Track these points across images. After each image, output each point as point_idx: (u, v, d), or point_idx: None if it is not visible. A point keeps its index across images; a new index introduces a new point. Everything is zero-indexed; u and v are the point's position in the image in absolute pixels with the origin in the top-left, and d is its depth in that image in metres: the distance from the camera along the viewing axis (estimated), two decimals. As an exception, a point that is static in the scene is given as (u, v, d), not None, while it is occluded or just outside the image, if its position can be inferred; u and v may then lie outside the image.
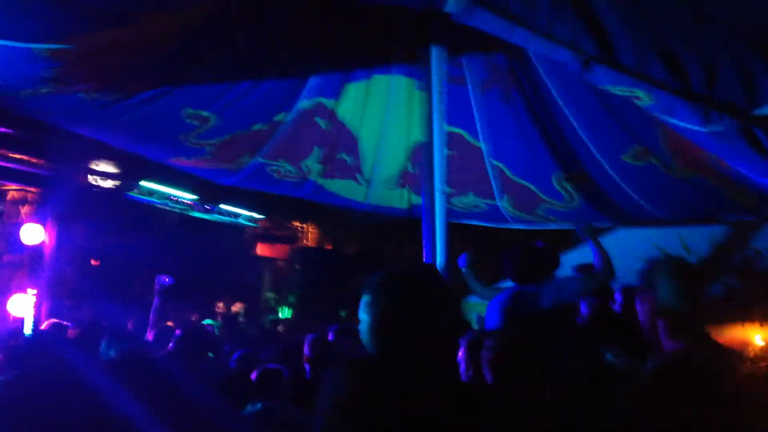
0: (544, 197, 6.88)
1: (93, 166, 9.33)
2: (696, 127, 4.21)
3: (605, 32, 3.72)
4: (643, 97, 4.11)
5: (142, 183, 10.53)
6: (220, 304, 10.89)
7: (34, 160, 8.39)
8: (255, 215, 13.06)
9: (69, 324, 6.46)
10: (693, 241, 7.53)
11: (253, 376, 4.66)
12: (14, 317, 8.16)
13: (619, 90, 4.19)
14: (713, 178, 5.67)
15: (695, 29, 3.71)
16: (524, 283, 5.06)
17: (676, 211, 6.77)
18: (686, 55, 3.77)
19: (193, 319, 10.28)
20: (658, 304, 2.90)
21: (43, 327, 6.74)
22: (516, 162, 6.69)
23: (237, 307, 10.26)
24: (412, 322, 2.32)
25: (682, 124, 4.33)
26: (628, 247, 5.33)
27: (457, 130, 6.46)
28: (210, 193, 11.67)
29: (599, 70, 3.96)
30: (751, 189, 5.54)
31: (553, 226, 7.56)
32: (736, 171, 5.26)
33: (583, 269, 5.64)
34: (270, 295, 13.79)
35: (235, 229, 13.19)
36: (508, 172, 6.77)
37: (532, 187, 6.83)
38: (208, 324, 8.30)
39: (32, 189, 8.96)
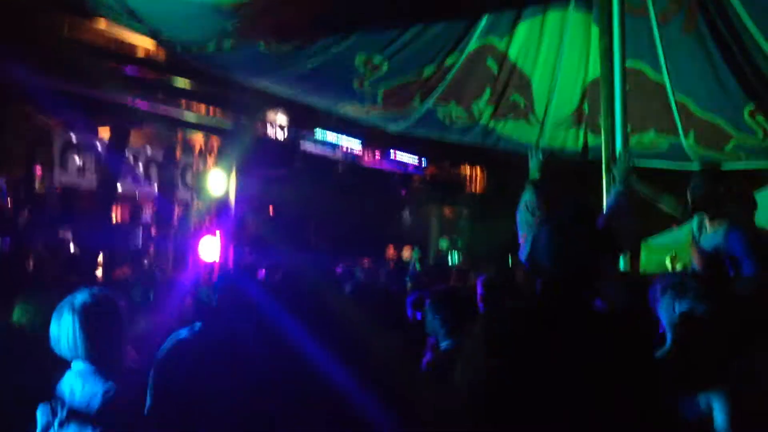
0: (735, 133, 6.40)
1: (269, 118, 9.74)
2: None
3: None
4: None
5: (315, 132, 10.86)
6: (391, 249, 11.16)
7: (216, 113, 8.88)
8: (423, 162, 13.17)
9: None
10: None
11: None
12: (205, 260, 8.76)
13: None
14: None
15: None
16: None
17: None
18: None
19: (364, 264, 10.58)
20: None
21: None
22: (703, 96, 6.25)
23: (407, 253, 10.47)
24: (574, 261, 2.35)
25: None
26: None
27: (637, 64, 6.13)
28: (378, 141, 11.88)
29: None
30: None
31: (742, 166, 7.01)
32: None
33: None
34: (439, 240, 13.94)
35: (403, 176, 13.38)
36: (693, 107, 6.34)
37: (721, 122, 6.36)
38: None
39: (216, 140, 9.51)
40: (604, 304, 2.99)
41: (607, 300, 3.22)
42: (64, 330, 2.79)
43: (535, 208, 4.06)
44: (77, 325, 2.78)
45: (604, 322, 2.37)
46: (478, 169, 13.95)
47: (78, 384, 2.80)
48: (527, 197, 4.13)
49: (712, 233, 4.35)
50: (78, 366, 2.82)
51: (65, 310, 2.83)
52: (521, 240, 4.03)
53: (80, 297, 2.87)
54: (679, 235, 6.71)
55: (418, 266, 8.72)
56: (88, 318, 2.80)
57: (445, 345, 3.97)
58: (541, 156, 4.43)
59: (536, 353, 2.20)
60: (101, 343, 2.83)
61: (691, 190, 4.44)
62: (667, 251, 6.98)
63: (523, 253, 3.86)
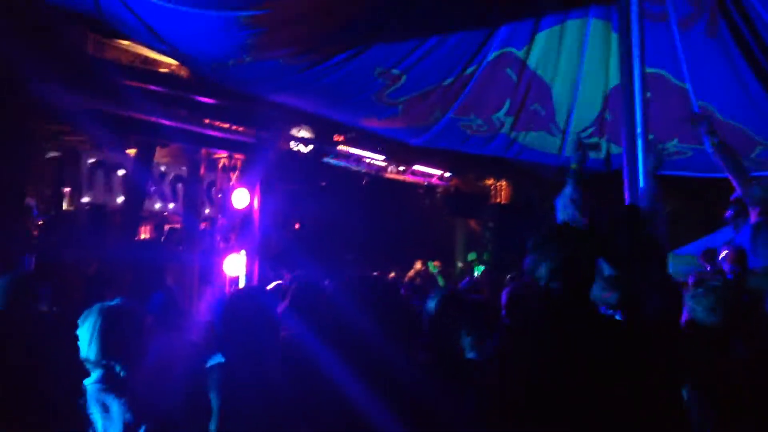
0: (760, 140, 6.29)
1: (293, 133, 9.77)
2: None
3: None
4: None
5: (338, 147, 10.87)
6: (418, 264, 11.16)
7: (239, 129, 8.91)
8: (446, 174, 13.11)
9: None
10: None
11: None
12: (229, 276, 8.77)
13: None
14: None
15: None
16: None
17: None
18: None
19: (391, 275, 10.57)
20: None
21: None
22: (726, 102, 6.17)
23: (434, 266, 10.48)
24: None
25: None
26: None
27: (658, 71, 6.06)
28: (401, 154, 11.85)
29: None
30: None
31: (768, 174, 6.89)
32: None
33: None
34: (465, 253, 13.87)
35: (427, 189, 13.34)
36: (717, 114, 6.26)
37: (745, 129, 6.26)
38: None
39: (239, 156, 9.54)
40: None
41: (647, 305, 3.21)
42: (87, 334, 2.78)
43: (582, 202, 4.01)
44: (98, 331, 2.79)
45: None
46: (503, 181, 13.86)
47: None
48: (570, 192, 4.07)
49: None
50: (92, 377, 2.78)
51: (93, 314, 2.84)
52: None
53: (107, 305, 2.90)
54: (707, 243, 6.61)
55: (440, 280, 8.67)
56: (111, 325, 2.81)
57: (472, 356, 3.92)
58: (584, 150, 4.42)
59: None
60: (119, 351, 2.82)
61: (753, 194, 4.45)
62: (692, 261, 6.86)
63: None
